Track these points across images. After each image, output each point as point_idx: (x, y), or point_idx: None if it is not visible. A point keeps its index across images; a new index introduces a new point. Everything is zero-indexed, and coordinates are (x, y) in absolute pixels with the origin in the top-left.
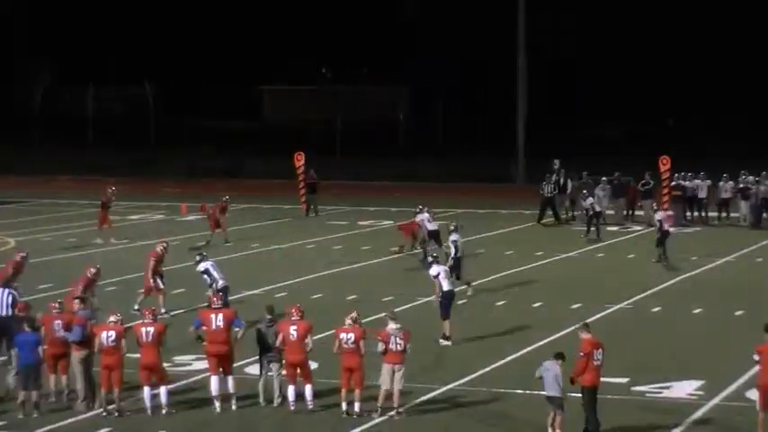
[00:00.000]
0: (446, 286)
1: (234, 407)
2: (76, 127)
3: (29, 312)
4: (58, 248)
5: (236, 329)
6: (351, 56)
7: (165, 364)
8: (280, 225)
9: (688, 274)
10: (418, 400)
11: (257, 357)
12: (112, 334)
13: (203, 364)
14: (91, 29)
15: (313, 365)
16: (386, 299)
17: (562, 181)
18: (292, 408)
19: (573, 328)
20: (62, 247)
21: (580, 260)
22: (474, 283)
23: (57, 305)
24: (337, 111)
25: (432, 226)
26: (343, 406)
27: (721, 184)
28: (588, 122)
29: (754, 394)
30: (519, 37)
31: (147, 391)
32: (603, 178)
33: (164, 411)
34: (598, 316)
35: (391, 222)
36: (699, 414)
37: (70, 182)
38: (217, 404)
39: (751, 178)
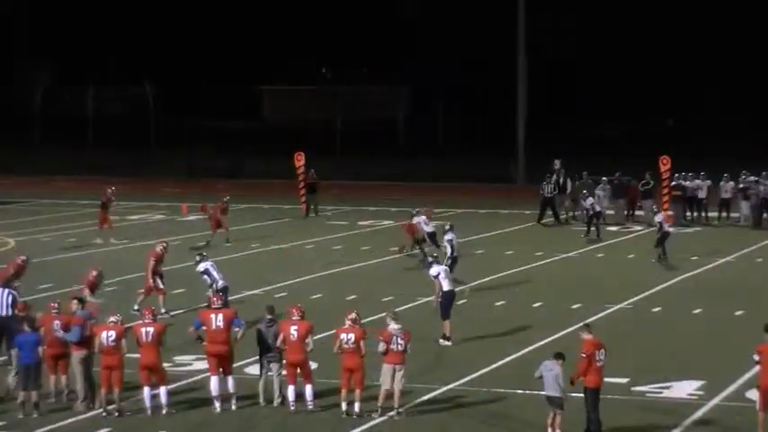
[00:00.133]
0: (446, 286)
1: (234, 407)
2: (76, 127)
3: (29, 312)
4: (57, 248)
5: (236, 329)
6: (351, 56)
7: (165, 365)
8: (280, 225)
9: (688, 274)
10: (418, 400)
11: (257, 357)
12: (112, 334)
13: (203, 365)
14: (91, 29)
15: (313, 365)
16: (386, 299)
17: (562, 181)
18: (292, 408)
19: (573, 328)
20: (62, 247)
21: (580, 260)
22: (467, 285)
23: (55, 305)
24: (337, 111)
25: (428, 228)
26: (343, 406)
27: (722, 184)
28: (588, 122)
29: (754, 394)
30: (519, 37)
31: (146, 391)
32: (604, 178)
33: (164, 411)
34: (598, 316)
35: (391, 222)
36: (699, 414)
37: (70, 182)
38: (217, 404)
39: (752, 178)
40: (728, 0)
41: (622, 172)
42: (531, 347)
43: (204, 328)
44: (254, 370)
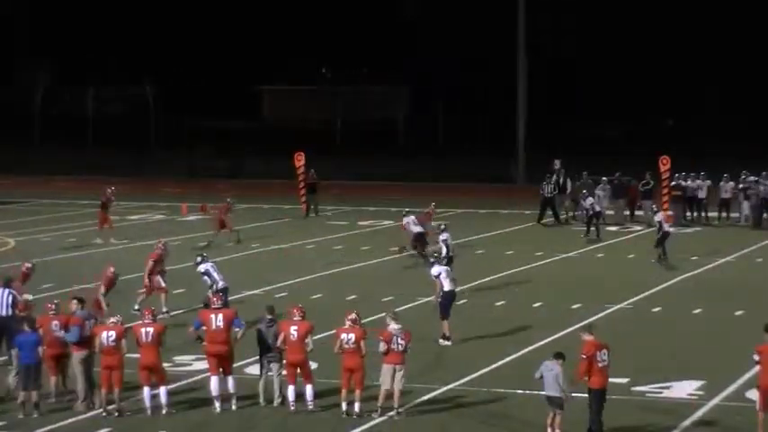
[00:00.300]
0: (447, 286)
1: (234, 407)
2: (76, 127)
3: (30, 312)
4: (57, 248)
5: (236, 329)
6: (351, 56)
7: (165, 365)
8: (280, 225)
9: (688, 274)
10: (418, 400)
11: (257, 357)
12: (113, 334)
13: (203, 365)
14: (91, 29)
15: (313, 365)
16: (386, 299)
17: (562, 181)
18: (292, 408)
19: (573, 328)
20: (62, 247)
21: (580, 260)
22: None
23: (53, 306)
24: (337, 111)
25: (417, 228)
26: (344, 406)
27: (722, 184)
28: (588, 122)
29: (754, 394)
30: (519, 37)
31: (146, 391)
32: (604, 178)
33: (164, 411)
34: (598, 316)
35: (391, 222)
36: (699, 414)
37: (70, 182)
38: (217, 404)
39: (752, 178)
40: (728, 0)
41: (622, 172)
42: (531, 347)
43: (204, 328)
44: (254, 370)
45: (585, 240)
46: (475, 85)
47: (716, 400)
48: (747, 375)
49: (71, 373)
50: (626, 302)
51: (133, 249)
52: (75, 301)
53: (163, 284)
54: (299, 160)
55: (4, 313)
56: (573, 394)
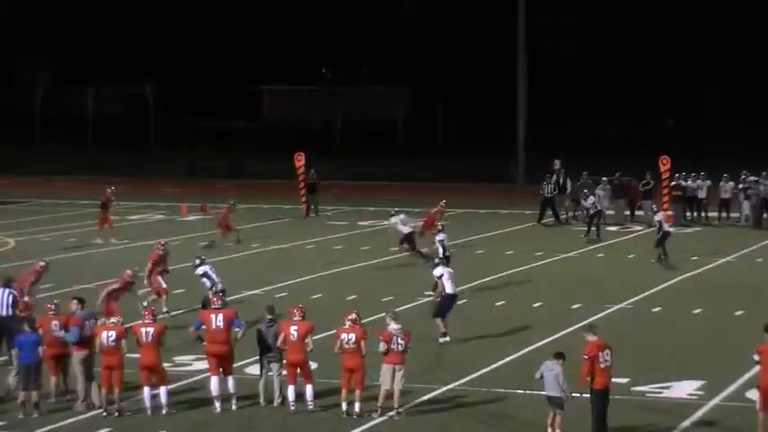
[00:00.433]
0: (449, 289)
1: (234, 407)
2: (76, 127)
3: (30, 313)
4: (57, 248)
5: (236, 329)
6: (351, 56)
7: (165, 365)
8: (280, 225)
9: (688, 274)
10: (418, 400)
11: (257, 357)
12: (113, 334)
13: (203, 365)
14: (91, 29)
15: (313, 365)
16: (386, 299)
17: (562, 181)
18: (292, 408)
19: (573, 328)
20: (62, 247)
21: (580, 260)
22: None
23: (52, 306)
24: (337, 111)
25: (406, 229)
26: (344, 406)
27: (721, 184)
28: (588, 122)
29: (754, 394)
30: (519, 37)
31: (146, 391)
32: (604, 178)
33: (164, 411)
34: (598, 316)
35: None
36: (699, 414)
37: (70, 182)
38: (217, 404)
39: (752, 178)
40: (728, 0)
41: (622, 172)
42: (531, 347)
43: (204, 328)
44: (254, 370)
45: (586, 240)
46: (475, 85)
47: (716, 400)
48: (747, 375)
49: (71, 373)
50: (626, 302)
51: (133, 249)
52: (75, 301)
53: (164, 285)
54: (300, 160)
55: (4, 313)
56: (573, 394)
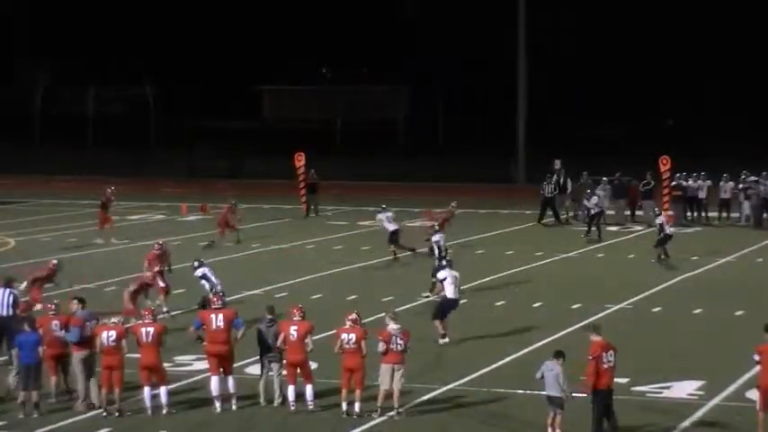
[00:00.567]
0: (450, 293)
1: (234, 407)
2: (76, 127)
3: (30, 313)
4: (57, 248)
5: (236, 330)
6: (351, 56)
7: (165, 365)
8: (280, 225)
9: (688, 274)
10: (418, 400)
11: (257, 357)
12: (113, 334)
13: (204, 365)
14: (91, 29)
15: (313, 365)
16: (386, 299)
17: (562, 181)
18: (292, 408)
19: (573, 328)
20: (62, 247)
21: (580, 260)
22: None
23: (52, 306)
24: (337, 111)
25: (392, 226)
26: (344, 406)
27: (721, 184)
28: (588, 122)
29: (754, 394)
30: (519, 37)
31: (147, 391)
32: (604, 178)
33: (164, 411)
34: (598, 316)
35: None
36: (699, 414)
37: (70, 182)
38: (217, 404)
39: (752, 178)
40: (728, 0)
41: (623, 172)
42: (531, 347)
43: (204, 328)
44: (254, 370)
45: (586, 240)
46: (475, 85)
47: (716, 400)
48: (747, 375)
49: (71, 373)
50: (626, 302)
51: (133, 249)
52: (75, 302)
53: (161, 284)
54: (300, 160)
55: (4, 313)
56: (574, 394)
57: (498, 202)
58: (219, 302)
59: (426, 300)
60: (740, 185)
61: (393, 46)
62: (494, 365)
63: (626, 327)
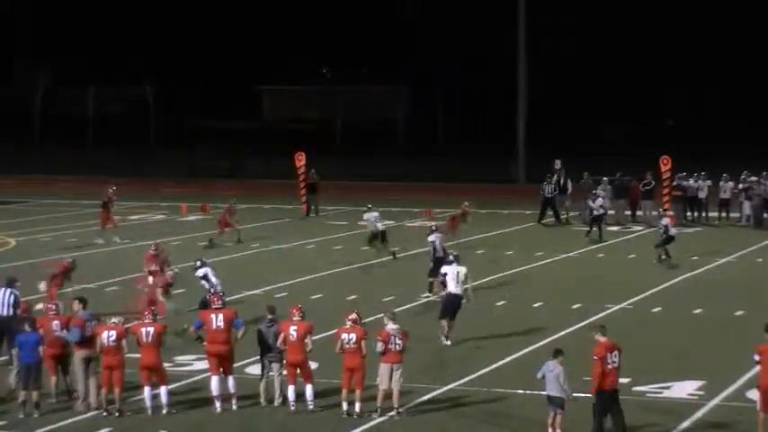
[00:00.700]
0: (452, 288)
1: (234, 407)
2: (76, 127)
3: (31, 313)
4: (57, 248)
5: (237, 330)
6: (351, 56)
7: (165, 365)
8: (280, 225)
9: (688, 274)
10: (418, 400)
11: (258, 357)
12: (113, 334)
13: (204, 365)
14: (91, 29)
15: (313, 365)
16: (386, 299)
17: (563, 181)
18: (293, 408)
19: (573, 328)
20: (62, 247)
21: (580, 260)
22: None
23: (53, 306)
24: (337, 111)
25: (380, 225)
26: (344, 406)
27: (721, 184)
28: (588, 122)
29: (754, 394)
30: (519, 37)
31: (147, 391)
32: (604, 178)
33: (164, 411)
34: (598, 316)
35: (392, 222)
36: (699, 414)
37: (70, 182)
38: (217, 404)
39: (753, 178)
40: (728, 0)
41: (623, 172)
42: (531, 347)
43: (204, 328)
44: (254, 370)
45: (588, 240)
46: (475, 85)
47: (716, 401)
48: (747, 375)
49: (72, 373)
50: (626, 302)
51: (133, 249)
52: (76, 302)
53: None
54: (300, 160)
55: (5, 313)
56: (574, 394)
57: (498, 202)
58: (219, 302)
59: (426, 300)
60: (740, 185)
61: (393, 46)
62: (494, 365)
63: (626, 327)
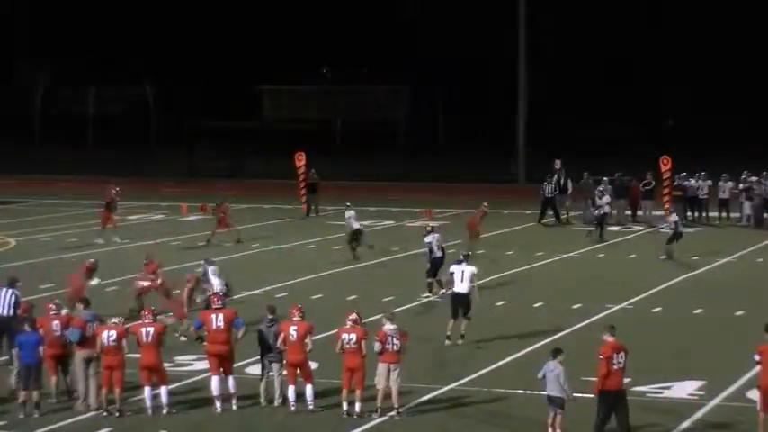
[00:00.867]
0: (456, 287)
1: (234, 407)
2: (76, 127)
3: (31, 313)
4: (57, 248)
5: (237, 330)
6: (351, 56)
7: (165, 364)
8: (280, 225)
9: (688, 274)
10: (418, 400)
11: (258, 357)
12: (113, 334)
13: (204, 365)
14: (91, 29)
15: (313, 365)
16: (386, 299)
17: (563, 181)
18: (293, 408)
19: (573, 328)
20: (62, 247)
21: (580, 260)
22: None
23: (53, 306)
24: (337, 111)
25: (356, 225)
26: (344, 406)
27: (720, 184)
28: (588, 122)
29: (754, 394)
30: (519, 37)
31: (147, 391)
32: (604, 178)
33: (164, 411)
34: (598, 316)
35: (392, 222)
36: (699, 414)
37: (70, 182)
38: (217, 404)
39: (753, 178)
40: (728, 1)
41: (623, 172)
42: (531, 347)
43: (205, 327)
44: (254, 370)
45: (589, 240)
46: (475, 85)
47: (716, 401)
48: (748, 375)
49: (72, 372)
50: (626, 302)
51: (133, 250)
52: (78, 302)
53: (143, 283)
54: (300, 160)
55: (5, 313)
56: (574, 394)
57: (499, 202)
58: (219, 302)
59: (426, 300)
60: (740, 185)
61: (393, 46)
62: (494, 365)
63: (626, 327)
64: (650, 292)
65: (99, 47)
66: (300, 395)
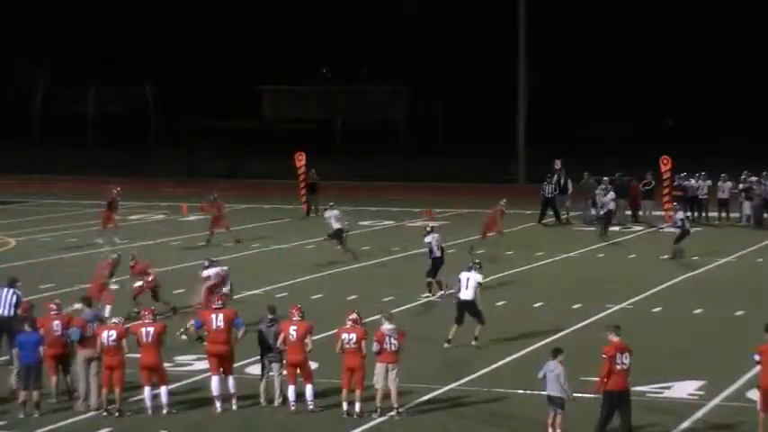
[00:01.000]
0: (462, 295)
1: (234, 407)
2: (76, 127)
3: (31, 313)
4: (57, 248)
5: (237, 330)
6: (351, 56)
7: (165, 364)
8: (280, 225)
9: (688, 274)
10: (418, 400)
11: (258, 357)
12: (113, 334)
13: (204, 365)
14: (91, 29)
15: (313, 365)
16: (386, 299)
17: (563, 181)
18: (293, 408)
19: (573, 328)
20: (62, 247)
21: (580, 260)
22: (443, 291)
23: (54, 306)
24: (337, 111)
25: (336, 224)
26: (344, 406)
27: (720, 184)
28: (588, 122)
29: (754, 394)
30: (519, 37)
31: (147, 391)
32: (605, 178)
33: (164, 411)
34: (598, 316)
35: (392, 222)
36: (699, 414)
37: (70, 182)
38: (217, 404)
39: (753, 178)
40: (728, 1)
41: (623, 172)
42: (531, 347)
43: (205, 327)
44: (254, 370)
45: (600, 238)
46: (475, 85)
47: (716, 401)
48: (748, 375)
49: (72, 372)
50: (626, 302)
51: (133, 250)
52: (79, 303)
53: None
54: (300, 160)
55: (6, 313)
56: (575, 394)
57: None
58: (219, 302)
59: (426, 300)
60: (740, 185)
61: (393, 46)
62: (494, 365)
63: (626, 327)
64: (650, 292)
65: (99, 47)
66: (300, 395)
